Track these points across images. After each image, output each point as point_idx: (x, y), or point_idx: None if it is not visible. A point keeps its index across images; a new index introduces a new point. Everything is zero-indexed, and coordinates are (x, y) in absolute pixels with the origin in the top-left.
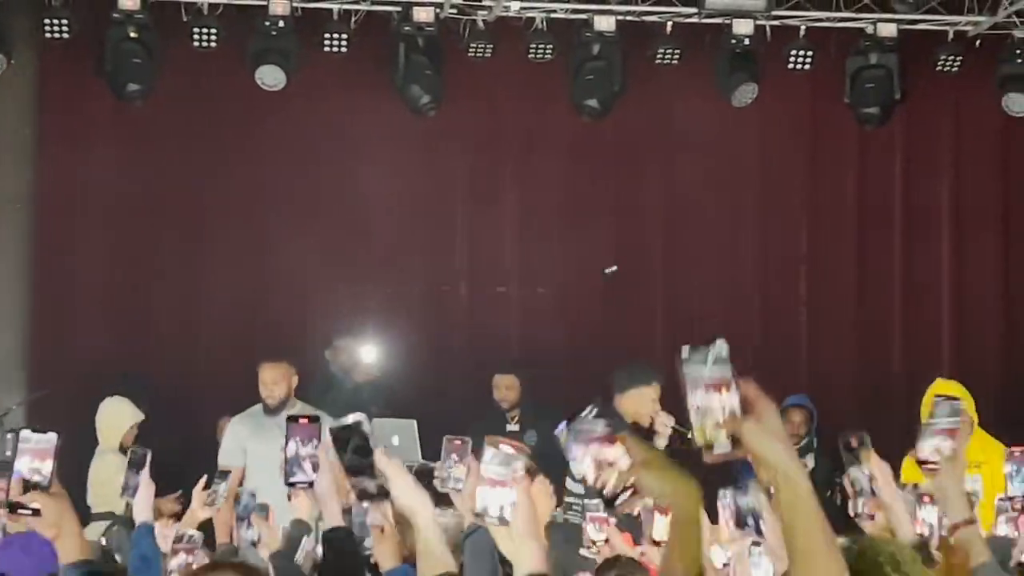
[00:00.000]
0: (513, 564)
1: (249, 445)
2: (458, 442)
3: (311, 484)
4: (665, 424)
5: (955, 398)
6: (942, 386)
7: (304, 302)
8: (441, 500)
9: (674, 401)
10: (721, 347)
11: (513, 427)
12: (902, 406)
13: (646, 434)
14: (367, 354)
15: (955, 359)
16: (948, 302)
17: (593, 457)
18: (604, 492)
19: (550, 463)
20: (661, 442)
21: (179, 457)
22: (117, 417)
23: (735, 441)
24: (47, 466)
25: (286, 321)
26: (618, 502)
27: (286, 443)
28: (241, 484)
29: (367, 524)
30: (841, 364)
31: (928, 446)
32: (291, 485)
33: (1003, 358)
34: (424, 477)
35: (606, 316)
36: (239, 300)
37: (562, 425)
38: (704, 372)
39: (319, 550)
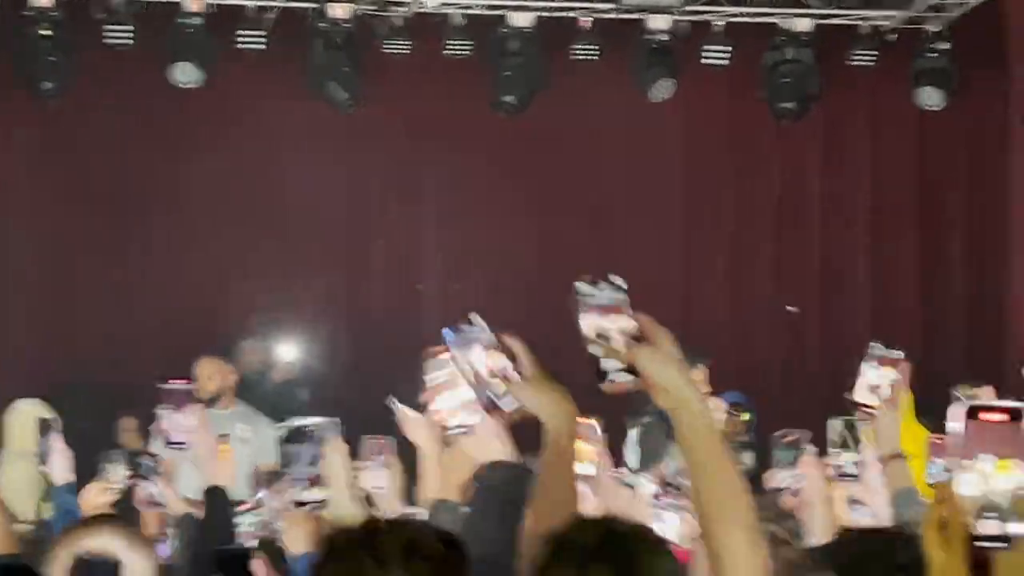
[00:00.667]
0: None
1: None
2: (380, 441)
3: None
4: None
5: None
6: None
7: (224, 299)
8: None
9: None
10: (615, 280)
11: None
12: (821, 399)
13: None
14: (285, 353)
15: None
16: (866, 295)
17: (482, 363)
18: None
19: None
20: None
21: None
22: (23, 417)
23: (632, 370)
24: None
25: (207, 317)
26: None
27: None
28: None
29: (277, 509)
30: (763, 356)
31: (863, 384)
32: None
33: (921, 348)
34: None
35: (529, 311)
36: (159, 296)
37: (449, 330)
38: (597, 299)
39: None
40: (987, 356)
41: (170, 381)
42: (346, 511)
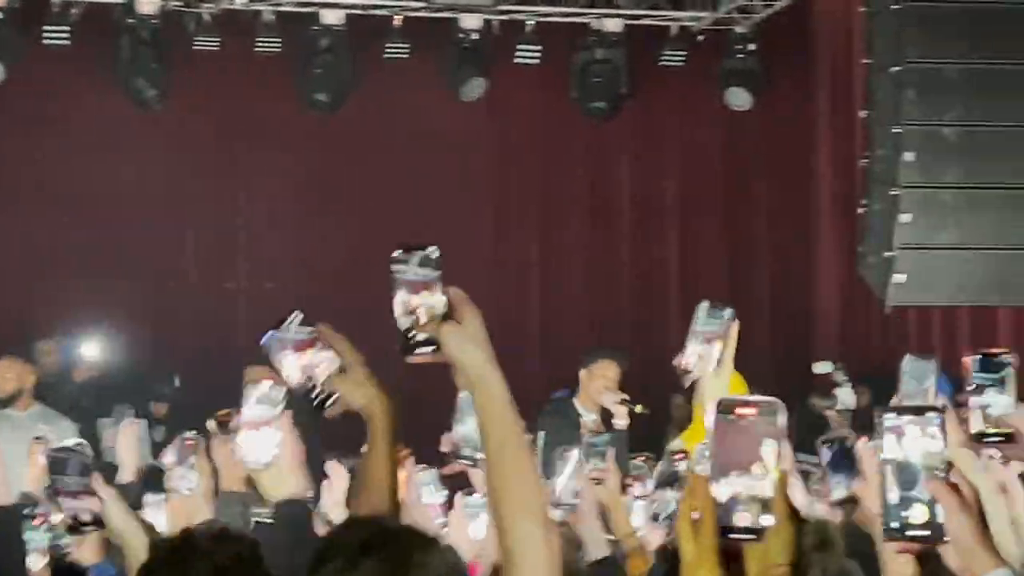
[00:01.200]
0: (273, 494)
1: None
2: (191, 441)
3: None
4: (615, 401)
5: (723, 307)
6: None
7: (29, 297)
8: None
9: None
10: (431, 251)
11: None
12: (636, 393)
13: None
14: (88, 351)
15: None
16: (676, 292)
17: (299, 362)
18: (310, 396)
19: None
20: (621, 422)
21: None
22: None
23: (435, 344)
24: None
25: (10, 317)
26: (327, 405)
27: None
28: None
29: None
30: (571, 357)
31: (691, 352)
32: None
33: None
34: (153, 477)
35: (336, 310)
36: None
37: (268, 334)
38: (408, 275)
39: None
40: (792, 344)
41: None
42: (122, 521)
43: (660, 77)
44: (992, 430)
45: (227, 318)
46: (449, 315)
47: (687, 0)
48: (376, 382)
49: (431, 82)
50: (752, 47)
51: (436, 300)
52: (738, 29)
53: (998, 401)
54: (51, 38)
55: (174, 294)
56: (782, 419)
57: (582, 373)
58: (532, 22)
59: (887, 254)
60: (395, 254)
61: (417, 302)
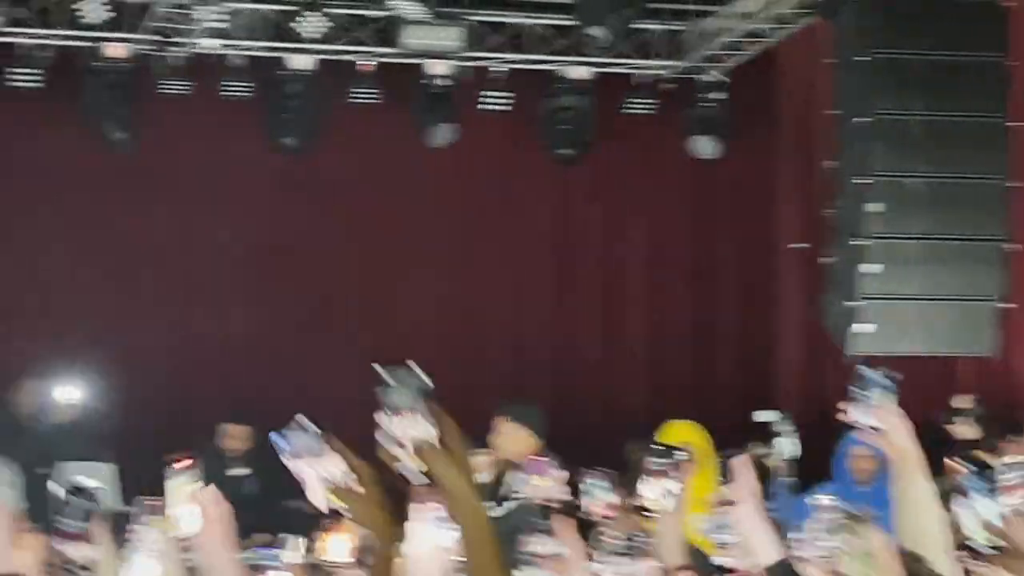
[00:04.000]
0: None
1: None
2: (154, 503)
3: None
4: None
5: (673, 447)
6: (674, 429)
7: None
8: None
9: None
10: (414, 368)
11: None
12: (598, 456)
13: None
14: (64, 394)
15: (650, 400)
16: (641, 338)
17: (318, 472)
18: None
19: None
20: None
21: None
22: None
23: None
24: None
25: None
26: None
27: None
28: None
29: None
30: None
31: (648, 490)
32: None
33: (694, 398)
34: (121, 523)
35: (303, 357)
36: None
37: (280, 435)
38: (394, 398)
39: None
40: (758, 394)
41: None
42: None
43: (627, 125)
44: None
45: (195, 361)
46: (437, 438)
47: (654, 49)
48: (377, 496)
49: (400, 127)
50: (719, 96)
51: (421, 427)
52: (705, 78)
53: None
54: (20, 81)
55: (137, 335)
56: None
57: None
58: (501, 69)
59: (848, 303)
60: (380, 374)
61: (402, 431)
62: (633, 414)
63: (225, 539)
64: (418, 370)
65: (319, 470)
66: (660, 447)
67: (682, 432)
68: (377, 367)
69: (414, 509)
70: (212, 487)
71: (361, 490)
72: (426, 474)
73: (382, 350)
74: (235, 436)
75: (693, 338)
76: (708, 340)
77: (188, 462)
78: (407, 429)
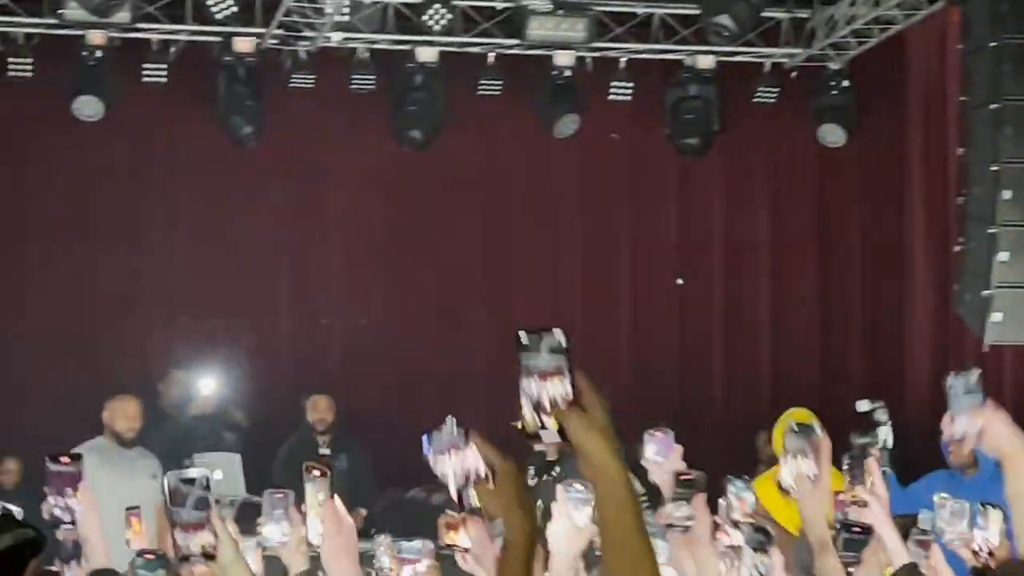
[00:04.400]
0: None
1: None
2: (279, 495)
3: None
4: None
5: (808, 426)
6: (795, 414)
7: (136, 331)
8: None
9: None
10: (558, 336)
11: (324, 450)
12: (724, 437)
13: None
14: (204, 387)
15: (775, 388)
16: (766, 327)
17: (459, 465)
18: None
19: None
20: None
21: None
22: None
23: (562, 431)
24: None
25: (118, 350)
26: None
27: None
28: None
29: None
30: (664, 393)
31: (787, 472)
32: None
33: (821, 385)
34: (248, 512)
35: (433, 346)
36: (62, 328)
37: (425, 438)
38: (537, 360)
39: None
40: (886, 383)
41: (58, 460)
42: (230, 561)
43: (753, 114)
44: None
45: (322, 354)
46: (575, 402)
47: (780, 37)
48: (520, 497)
49: (524, 119)
50: (845, 84)
51: (563, 387)
52: (831, 66)
53: None
54: (150, 75)
55: (271, 331)
56: None
57: None
58: (625, 59)
59: (985, 293)
60: (521, 339)
61: (544, 389)
62: (758, 403)
63: (346, 551)
64: (562, 336)
65: (461, 466)
66: (799, 426)
67: (801, 420)
68: (521, 333)
69: (559, 490)
70: (337, 500)
71: (493, 487)
72: (564, 436)
73: (507, 338)
74: (319, 408)
75: (820, 328)
76: (837, 327)
77: (320, 471)
78: (552, 390)
